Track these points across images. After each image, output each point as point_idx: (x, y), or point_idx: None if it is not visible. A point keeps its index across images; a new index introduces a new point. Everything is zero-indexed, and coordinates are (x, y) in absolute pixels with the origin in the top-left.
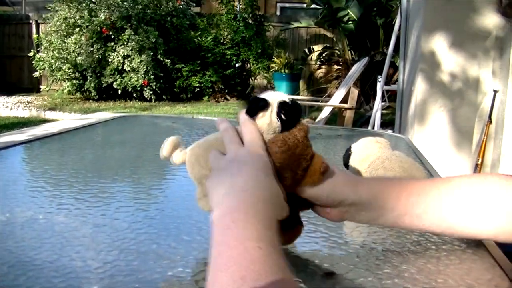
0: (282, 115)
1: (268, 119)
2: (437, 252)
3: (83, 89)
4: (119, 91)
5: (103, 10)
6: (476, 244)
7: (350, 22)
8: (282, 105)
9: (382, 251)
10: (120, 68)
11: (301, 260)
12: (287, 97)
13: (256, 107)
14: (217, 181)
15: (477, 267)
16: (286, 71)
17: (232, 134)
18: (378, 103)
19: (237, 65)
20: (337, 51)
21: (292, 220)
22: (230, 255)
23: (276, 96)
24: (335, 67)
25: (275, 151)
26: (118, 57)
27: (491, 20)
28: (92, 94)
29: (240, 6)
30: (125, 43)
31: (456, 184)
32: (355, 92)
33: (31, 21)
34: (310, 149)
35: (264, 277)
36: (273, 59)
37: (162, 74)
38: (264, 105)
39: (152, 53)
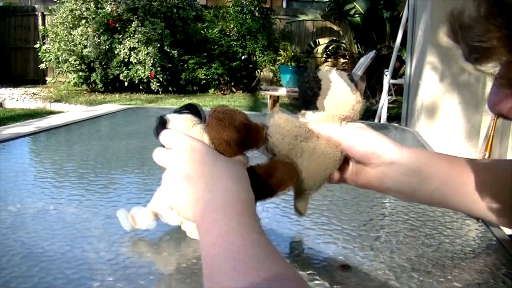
0: (186, 111)
1: (180, 118)
2: (451, 246)
3: (89, 81)
4: (126, 83)
5: (109, 2)
6: (490, 238)
7: (357, 15)
8: (176, 110)
9: (396, 243)
10: (126, 60)
11: (316, 253)
12: None
13: (161, 123)
14: (181, 194)
15: (492, 261)
16: (292, 64)
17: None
18: (384, 97)
19: (243, 57)
20: (343, 45)
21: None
22: (217, 253)
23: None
24: (341, 60)
25: (217, 115)
26: (124, 49)
27: None
28: (98, 86)
29: None
30: (132, 35)
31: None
32: (361, 85)
33: (37, 13)
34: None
35: (255, 262)
36: (279, 52)
37: (170, 65)
38: (164, 119)
39: (159, 45)
